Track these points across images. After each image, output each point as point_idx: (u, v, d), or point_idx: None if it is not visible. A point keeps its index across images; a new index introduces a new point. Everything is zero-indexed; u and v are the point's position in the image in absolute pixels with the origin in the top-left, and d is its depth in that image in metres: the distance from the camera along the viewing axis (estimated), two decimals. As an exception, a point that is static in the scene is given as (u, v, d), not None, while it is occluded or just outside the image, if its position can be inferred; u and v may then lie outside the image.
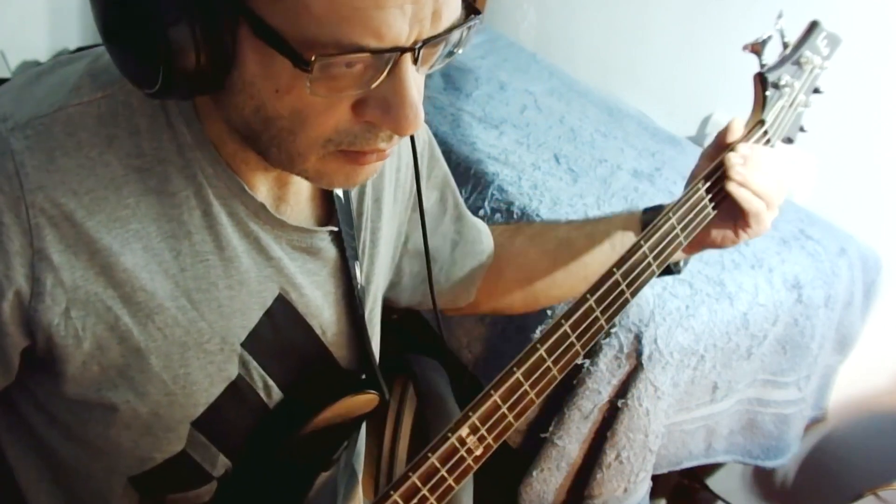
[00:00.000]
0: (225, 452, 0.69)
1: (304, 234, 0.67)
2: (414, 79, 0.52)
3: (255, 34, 0.49)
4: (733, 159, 0.76)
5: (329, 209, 0.71)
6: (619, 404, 1.18)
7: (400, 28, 0.48)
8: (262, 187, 0.64)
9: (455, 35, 0.53)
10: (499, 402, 0.63)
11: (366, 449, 0.88)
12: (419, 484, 0.61)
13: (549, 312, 1.22)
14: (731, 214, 0.79)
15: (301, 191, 0.68)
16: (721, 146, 0.81)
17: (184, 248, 0.60)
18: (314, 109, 0.52)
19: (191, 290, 0.61)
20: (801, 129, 0.87)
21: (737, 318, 1.24)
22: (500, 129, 1.59)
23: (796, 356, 1.38)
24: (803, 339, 1.36)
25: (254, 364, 0.66)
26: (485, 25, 2.10)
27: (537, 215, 1.35)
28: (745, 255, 1.34)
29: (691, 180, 0.82)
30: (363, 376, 0.76)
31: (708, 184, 0.77)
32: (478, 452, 0.63)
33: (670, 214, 0.74)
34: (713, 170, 0.77)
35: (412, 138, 0.69)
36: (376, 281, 0.78)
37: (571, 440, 1.21)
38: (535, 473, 1.23)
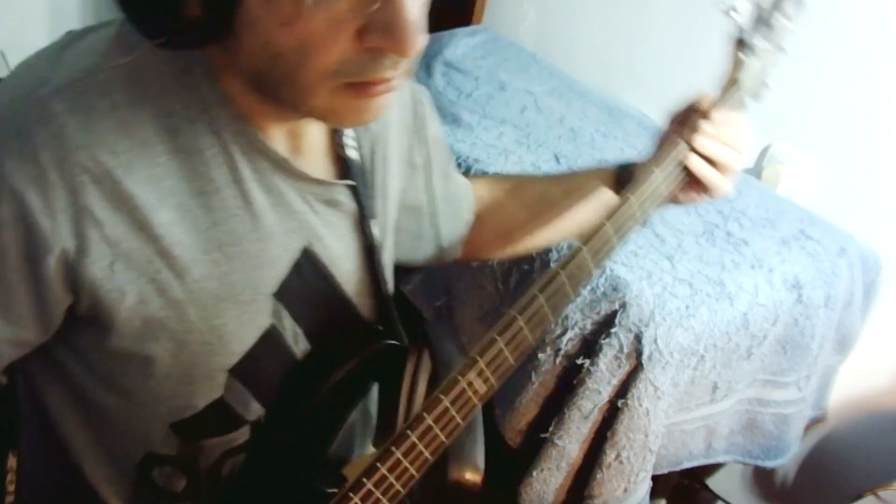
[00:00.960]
0: (258, 398, 0.72)
1: (325, 187, 0.70)
2: None
3: None
4: (701, 139, 0.81)
5: (342, 165, 0.73)
6: (619, 404, 1.19)
7: None
8: (278, 140, 0.66)
9: None
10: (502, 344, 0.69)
11: (378, 408, 0.90)
12: (431, 422, 0.67)
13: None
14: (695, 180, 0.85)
15: (315, 144, 0.70)
16: (693, 110, 0.84)
17: (214, 203, 0.63)
18: (319, 39, 0.53)
19: (223, 244, 0.64)
20: (766, 86, 0.91)
21: (737, 318, 1.24)
22: (500, 129, 1.59)
23: (796, 356, 1.38)
24: (803, 339, 1.36)
25: (285, 313, 0.69)
26: (485, 25, 2.10)
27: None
28: (745, 255, 1.34)
29: (664, 140, 0.86)
30: (381, 328, 0.78)
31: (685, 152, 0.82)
32: (482, 391, 0.69)
33: (654, 168, 0.80)
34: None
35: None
36: (391, 235, 0.81)
37: (571, 440, 1.21)
38: (535, 473, 1.23)
